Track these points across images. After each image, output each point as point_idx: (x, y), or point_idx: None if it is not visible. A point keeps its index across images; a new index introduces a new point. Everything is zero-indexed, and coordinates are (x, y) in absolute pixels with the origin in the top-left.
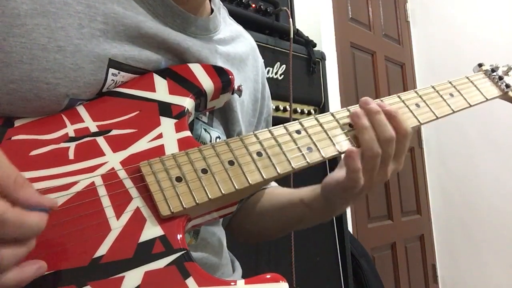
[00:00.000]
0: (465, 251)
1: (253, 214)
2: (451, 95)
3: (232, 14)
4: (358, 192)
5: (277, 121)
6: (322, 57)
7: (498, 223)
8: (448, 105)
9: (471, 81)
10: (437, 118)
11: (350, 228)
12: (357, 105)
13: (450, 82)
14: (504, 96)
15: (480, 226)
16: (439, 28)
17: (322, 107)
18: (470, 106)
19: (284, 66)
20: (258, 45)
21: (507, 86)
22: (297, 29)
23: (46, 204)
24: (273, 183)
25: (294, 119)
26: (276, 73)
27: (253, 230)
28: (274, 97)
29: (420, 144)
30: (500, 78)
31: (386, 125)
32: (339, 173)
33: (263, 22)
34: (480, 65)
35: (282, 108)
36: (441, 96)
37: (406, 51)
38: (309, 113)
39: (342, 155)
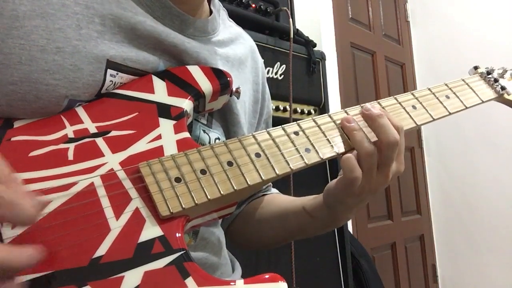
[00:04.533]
0: (465, 251)
1: (253, 222)
2: (447, 97)
3: (232, 14)
4: (358, 193)
5: (277, 121)
6: (322, 57)
7: (498, 223)
8: (444, 107)
9: (467, 84)
10: (434, 119)
11: (350, 228)
12: (355, 106)
13: (446, 84)
14: (500, 99)
15: (480, 226)
16: (439, 28)
17: (322, 107)
18: (466, 108)
19: (284, 66)
20: (258, 45)
21: (502, 88)
22: (297, 29)
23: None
24: (274, 190)
25: (294, 119)
26: (276, 73)
27: (252, 237)
28: (274, 97)
29: (420, 144)
30: (496, 80)
31: (390, 129)
32: (338, 178)
33: (263, 22)
34: (475, 67)
35: (282, 108)
36: (437, 98)
37: (406, 51)
38: (309, 113)
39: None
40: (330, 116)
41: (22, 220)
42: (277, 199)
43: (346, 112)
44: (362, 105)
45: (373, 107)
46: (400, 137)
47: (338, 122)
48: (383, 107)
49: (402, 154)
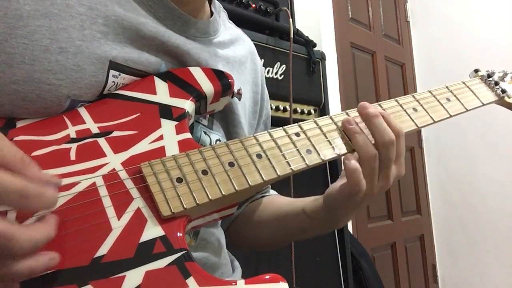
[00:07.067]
0: (465, 251)
1: (252, 224)
2: (448, 99)
3: (232, 14)
4: (360, 200)
5: (277, 121)
6: (322, 57)
7: (497, 223)
8: (445, 109)
9: (468, 86)
10: (435, 122)
11: (350, 228)
12: (356, 109)
13: (446, 87)
14: (500, 101)
15: (480, 226)
16: (439, 28)
17: (322, 107)
18: (467, 110)
19: (284, 66)
20: (258, 45)
21: (503, 91)
22: (297, 29)
23: (54, 181)
24: (273, 191)
25: (294, 119)
26: (276, 73)
27: (251, 238)
28: (274, 97)
29: (420, 144)
30: (496, 83)
31: (385, 129)
32: (340, 182)
33: (263, 22)
34: (476, 70)
35: (282, 108)
36: (438, 101)
37: (406, 51)
38: (309, 113)
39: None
40: (331, 118)
41: (44, 207)
42: (276, 201)
43: (347, 113)
44: (360, 103)
45: (369, 106)
46: (400, 140)
47: (339, 123)
48: (384, 109)
49: (402, 157)
